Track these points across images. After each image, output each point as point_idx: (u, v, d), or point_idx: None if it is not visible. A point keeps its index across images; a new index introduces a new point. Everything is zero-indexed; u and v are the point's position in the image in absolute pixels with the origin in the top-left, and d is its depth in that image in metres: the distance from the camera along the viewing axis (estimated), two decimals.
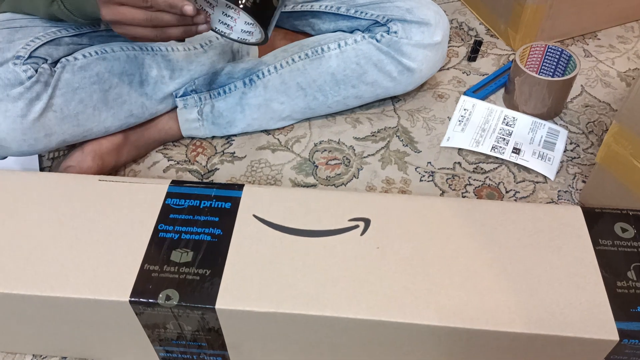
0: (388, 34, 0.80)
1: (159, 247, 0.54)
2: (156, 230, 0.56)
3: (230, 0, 0.56)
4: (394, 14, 0.81)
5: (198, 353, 0.58)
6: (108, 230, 0.56)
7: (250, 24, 0.60)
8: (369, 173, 0.82)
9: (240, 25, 0.61)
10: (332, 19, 0.86)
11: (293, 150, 0.85)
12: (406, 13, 0.81)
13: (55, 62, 0.70)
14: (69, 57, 0.71)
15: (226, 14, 0.61)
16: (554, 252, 0.53)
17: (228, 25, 0.61)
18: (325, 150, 0.85)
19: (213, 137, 0.87)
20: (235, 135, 0.87)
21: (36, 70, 0.66)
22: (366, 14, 0.83)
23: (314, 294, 0.51)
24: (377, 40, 0.81)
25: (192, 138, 0.87)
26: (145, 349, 0.59)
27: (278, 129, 0.88)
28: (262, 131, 0.88)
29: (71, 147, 0.83)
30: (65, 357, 0.63)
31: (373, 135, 0.87)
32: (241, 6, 0.56)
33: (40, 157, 0.83)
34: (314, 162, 0.84)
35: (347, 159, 0.84)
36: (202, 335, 0.55)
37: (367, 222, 0.56)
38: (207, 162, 0.84)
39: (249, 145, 0.86)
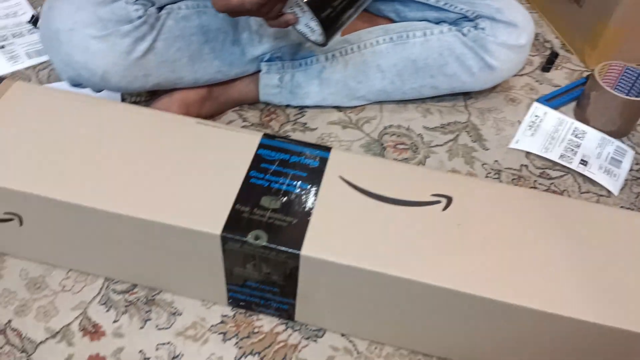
0: (475, 29, 0.82)
1: (249, 191, 0.57)
2: (248, 176, 0.58)
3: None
4: (484, 12, 0.83)
5: (266, 298, 0.61)
6: (203, 169, 0.58)
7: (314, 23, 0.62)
8: (435, 162, 0.84)
9: (306, 20, 0.63)
10: (419, 8, 0.88)
11: (363, 129, 0.88)
12: (496, 12, 0.82)
13: (160, 8, 0.73)
14: (174, 5, 0.74)
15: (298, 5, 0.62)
16: (626, 252, 0.55)
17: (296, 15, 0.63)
18: (394, 134, 0.87)
19: (287, 106, 0.90)
20: (308, 106, 0.90)
21: (145, 12, 0.69)
22: (455, 7, 0.84)
23: (395, 256, 0.53)
24: (463, 34, 0.83)
25: (267, 104, 0.90)
26: (215, 288, 0.61)
27: (350, 107, 0.90)
28: (334, 107, 0.90)
29: (152, 94, 0.86)
30: (136, 285, 0.66)
31: (442, 127, 0.89)
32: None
33: (123, 99, 0.87)
34: (382, 144, 0.86)
35: (415, 145, 0.86)
36: (277, 279, 0.57)
37: (449, 199, 0.58)
38: (279, 128, 0.86)
39: (321, 119, 0.89)
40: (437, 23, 0.86)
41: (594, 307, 0.51)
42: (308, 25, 0.63)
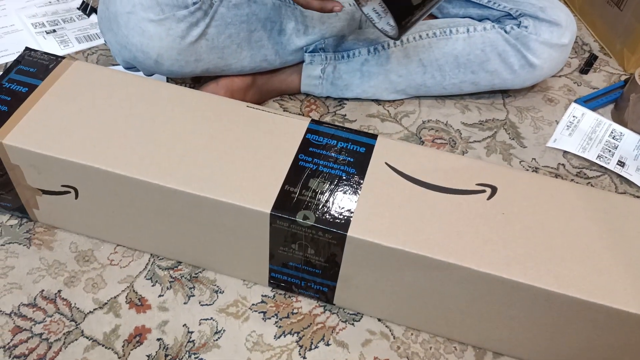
0: (518, 27, 0.83)
1: (298, 173, 0.59)
2: (296, 159, 0.60)
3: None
4: (527, 10, 0.83)
5: (307, 280, 0.62)
6: (253, 150, 0.60)
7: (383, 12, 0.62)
8: (473, 158, 0.84)
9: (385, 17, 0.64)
10: (462, 5, 0.89)
11: (401, 123, 0.89)
12: (539, 11, 0.83)
13: None
14: None
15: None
16: None
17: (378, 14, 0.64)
18: (432, 129, 0.88)
19: (327, 98, 0.91)
20: (347, 99, 0.91)
21: None
22: (499, 5, 0.85)
23: (439, 241, 0.54)
24: (505, 32, 0.84)
25: (308, 95, 0.91)
26: (258, 267, 0.63)
27: (389, 101, 0.92)
28: (373, 100, 0.92)
29: (195, 81, 0.88)
30: (181, 262, 0.68)
31: (481, 124, 0.89)
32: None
33: None
34: (421, 138, 0.87)
35: (453, 140, 0.87)
36: (321, 261, 0.59)
37: (494, 189, 0.59)
38: (319, 119, 0.88)
39: (360, 111, 0.90)
40: (479, 20, 0.87)
41: (636, 298, 0.51)
42: (376, 11, 0.64)
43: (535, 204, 0.58)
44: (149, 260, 0.68)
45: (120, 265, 0.67)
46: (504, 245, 0.54)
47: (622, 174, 0.83)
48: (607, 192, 0.60)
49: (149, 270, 0.67)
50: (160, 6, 0.68)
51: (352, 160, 0.61)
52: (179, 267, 0.68)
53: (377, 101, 0.92)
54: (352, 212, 0.56)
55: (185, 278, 0.67)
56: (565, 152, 0.86)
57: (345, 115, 0.89)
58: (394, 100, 0.92)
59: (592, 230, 0.56)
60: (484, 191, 0.59)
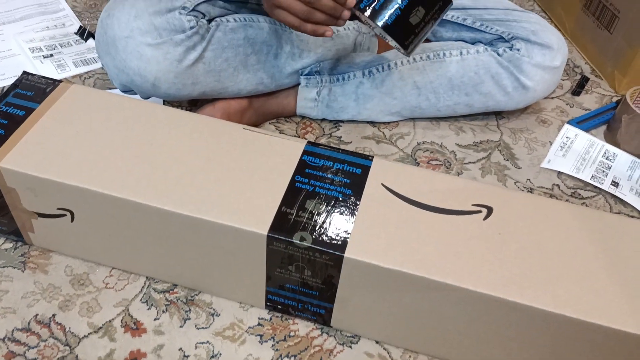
0: (511, 50, 0.84)
1: (295, 195, 0.59)
2: (293, 180, 0.60)
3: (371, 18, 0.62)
4: (519, 33, 0.85)
5: (304, 302, 0.62)
6: (250, 172, 0.61)
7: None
8: (468, 179, 0.85)
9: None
10: (455, 29, 0.91)
11: (397, 144, 0.89)
12: (531, 34, 0.84)
13: (210, 20, 0.76)
14: (223, 18, 0.77)
15: None
16: None
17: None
18: (427, 150, 0.89)
19: (322, 120, 0.92)
20: (343, 121, 0.92)
21: (197, 23, 0.73)
22: (491, 28, 0.87)
23: (437, 261, 0.54)
24: (498, 54, 0.85)
25: (303, 117, 0.92)
26: (255, 290, 0.63)
27: (384, 123, 0.92)
28: (368, 122, 0.92)
29: (192, 104, 0.89)
30: (177, 285, 0.68)
31: (475, 145, 0.90)
32: (380, 25, 0.62)
33: None
34: (416, 159, 0.87)
35: (448, 162, 0.87)
36: (317, 283, 0.58)
37: (489, 209, 0.59)
38: (315, 141, 0.89)
39: (355, 133, 0.91)
40: (472, 43, 0.89)
41: (634, 318, 0.51)
42: (382, 35, 0.66)
43: (531, 224, 0.58)
44: (145, 284, 0.68)
45: (115, 288, 0.67)
46: (501, 266, 0.54)
47: (616, 194, 0.84)
48: (602, 212, 0.61)
49: (145, 294, 0.67)
50: (157, 30, 0.69)
51: (348, 181, 0.61)
52: (175, 290, 0.67)
53: (373, 123, 0.92)
54: (348, 233, 0.56)
55: (181, 301, 0.66)
56: (559, 172, 0.87)
57: (340, 137, 0.90)
58: (389, 122, 0.93)
59: (588, 250, 0.56)
60: (480, 211, 0.59)
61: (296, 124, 0.91)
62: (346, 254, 0.54)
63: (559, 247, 0.56)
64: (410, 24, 0.64)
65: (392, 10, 0.62)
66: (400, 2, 0.62)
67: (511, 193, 0.61)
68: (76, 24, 1.05)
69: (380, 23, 0.63)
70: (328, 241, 0.55)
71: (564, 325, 0.52)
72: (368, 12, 0.63)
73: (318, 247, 0.55)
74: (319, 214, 0.58)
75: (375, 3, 0.62)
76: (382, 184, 0.61)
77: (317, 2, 0.62)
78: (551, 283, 0.53)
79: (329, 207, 0.58)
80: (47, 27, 1.04)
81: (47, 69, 0.95)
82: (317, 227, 0.56)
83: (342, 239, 0.56)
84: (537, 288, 0.53)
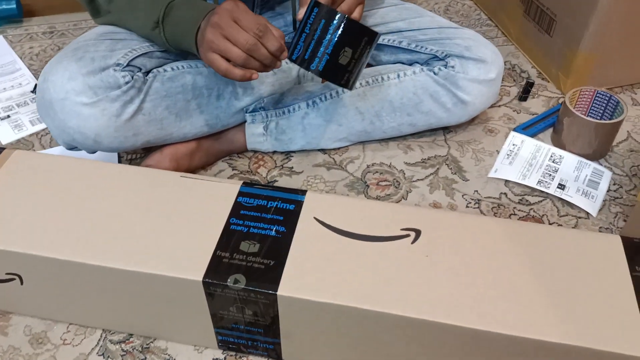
0: (446, 67, 0.87)
1: (230, 238, 0.61)
2: (228, 223, 0.62)
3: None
4: (453, 50, 0.87)
5: (253, 339, 0.63)
6: (186, 219, 0.63)
7: None
8: (417, 196, 0.87)
9: None
10: (392, 52, 0.93)
11: (347, 169, 0.92)
12: (464, 50, 0.87)
13: (147, 72, 0.79)
14: (160, 69, 0.80)
15: None
16: (593, 275, 0.57)
17: None
18: (377, 172, 0.91)
19: (274, 152, 0.94)
20: (294, 151, 0.94)
21: (132, 77, 0.75)
22: (426, 48, 0.89)
23: (368, 291, 0.56)
24: (434, 73, 0.87)
25: (255, 151, 0.94)
26: (205, 332, 0.64)
27: (334, 149, 0.95)
28: (319, 150, 0.95)
29: (147, 150, 0.91)
30: (132, 335, 0.69)
31: (423, 162, 0.92)
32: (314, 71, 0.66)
33: (120, 158, 0.92)
34: (366, 182, 0.89)
35: (397, 181, 0.89)
36: (260, 320, 0.60)
37: (417, 232, 0.61)
38: (267, 174, 0.91)
39: (306, 162, 0.93)
40: (410, 64, 0.91)
41: (559, 328, 0.53)
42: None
43: (459, 243, 0.60)
44: (101, 336, 0.69)
45: (72, 344, 0.69)
46: (429, 288, 0.56)
47: (563, 196, 0.85)
48: (529, 223, 0.63)
49: (101, 346, 0.68)
50: (92, 90, 0.72)
51: (282, 218, 0.63)
52: (131, 339, 0.69)
53: (323, 150, 0.95)
54: (282, 271, 0.58)
55: (137, 350, 0.68)
56: (506, 180, 0.89)
57: (292, 167, 0.92)
58: (339, 148, 0.95)
59: (515, 265, 0.58)
60: (408, 235, 0.61)
61: (249, 159, 0.93)
62: (279, 292, 0.56)
63: (486, 264, 0.58)
64: (341, 64, 0.66)
65: (320, 57, 0.65)
66: (327, 48, 0.65)
67: (439, 214, 0.63)
68: (32, 83, 1.08)
69: (313, 70, 0.65)
70: (262, 281, 0.57)
71: (494, 342, 0.54)
72: (299, 62, 0.65)
73: (252, 288, 0.57)
74: (253, 255, 0.59)
75: (304, 54, 0.65)
76: (315, 218, 0.63)
77: (256, 51, 0.64)
78: (478, 301, 0.55)
79: (263, 246, 0.60)
80: (5, 88, 1.07)
81: (3, 131, 0.98)
82: (251, 268, 0.58)
83: (276, 276, 0.57)
84: (463, 307, 0.54)
